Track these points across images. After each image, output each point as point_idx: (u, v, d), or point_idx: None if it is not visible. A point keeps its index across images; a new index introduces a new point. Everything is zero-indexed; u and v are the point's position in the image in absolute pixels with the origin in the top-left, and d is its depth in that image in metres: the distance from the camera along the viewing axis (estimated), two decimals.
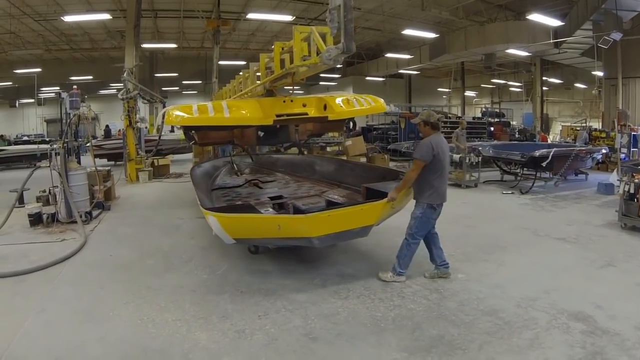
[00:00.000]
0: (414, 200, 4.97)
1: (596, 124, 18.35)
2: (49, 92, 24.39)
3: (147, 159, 12.73)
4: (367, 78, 28.06)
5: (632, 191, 6.79)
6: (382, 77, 28.13)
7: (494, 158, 12.26)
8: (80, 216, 7.50)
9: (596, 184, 10.97)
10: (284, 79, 5.63)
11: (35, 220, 7.39)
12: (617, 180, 9.24)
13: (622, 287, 4.80)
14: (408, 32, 16.66)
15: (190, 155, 17.19)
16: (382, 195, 5.02)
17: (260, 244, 5.42)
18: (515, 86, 25.42)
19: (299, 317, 4.15)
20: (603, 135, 14.32)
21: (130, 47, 12.42)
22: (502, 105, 24.11)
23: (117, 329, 3.99)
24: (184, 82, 28.82)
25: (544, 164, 10.28)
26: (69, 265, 5.69)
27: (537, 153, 10.35)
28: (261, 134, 5.60)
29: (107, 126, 21.68)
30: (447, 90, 31.31)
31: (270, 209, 5.58)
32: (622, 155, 12.96)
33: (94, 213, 8.18)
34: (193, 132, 5.95)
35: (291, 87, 5.81)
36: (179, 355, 3.55)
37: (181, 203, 9.79)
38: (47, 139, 20.34)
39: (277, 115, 5.25)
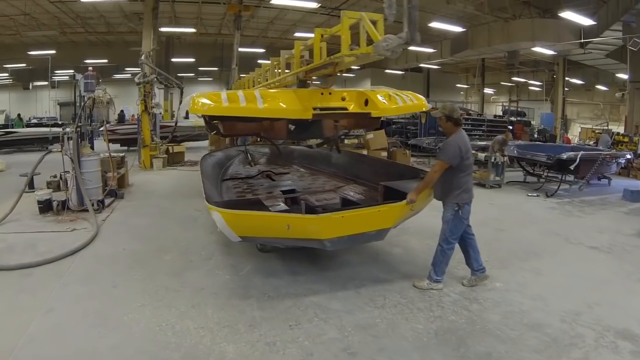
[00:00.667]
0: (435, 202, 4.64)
1: (616, 128, 17.55)
2: (63, 75, 23.92)
3: (162, 146, 12.25)
4: (387, 71, 27.28)
5: None
6: (401, 70, 27.36)
7: (518, 159, 11.66)
8: (92, 204, 7.01)
9: (619, 189, 10.46)
10: (323, 69, 5.08)
11: (45, 207, 6.94)
12: None
13: None
14: (435, 24, 15.87)
15: (205, 143, 16.74)
16: (400, 194, 4.67)
17: (268, 243, 4.98)
18: (534, 85, 24.53)
19: (334, 328, 3.74)
20: (626, 139, 13.54)
21: (148, 30, 11.89)
22: (520, 104, 23.31)
23: (133, 337, 3.53)
24: (200, 68, 28.19)
25: (571, 167, 9.73)
26: (80, 258, 5.23)
27: (564, 156, 9.87)
28: (292, 127, 5.02)
29: (121, 111, 21.17)
30: (465, 86, 30.49)
31: (282, 204, 5.19)
32: None
33: (107, 201, 7.70)
34: (217, 122, 5.38)
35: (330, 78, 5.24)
36: None
37: (198, 193, 9.11)
38: (60, 122, 19.95)
39: (316, 109, 4.70)
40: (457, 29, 16.36)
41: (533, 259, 5.59)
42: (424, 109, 5.57)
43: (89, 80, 7.04)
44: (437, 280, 4.51)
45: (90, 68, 7.26)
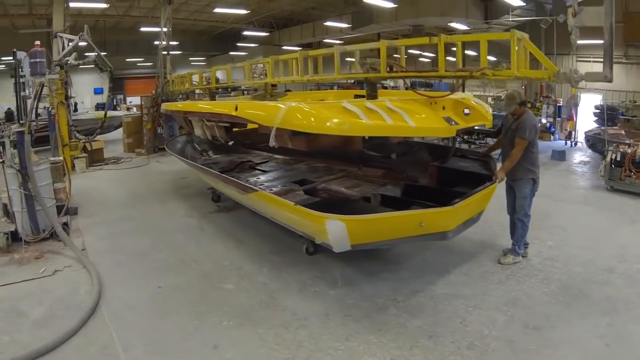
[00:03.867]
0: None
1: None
2: None
3: (84, 143, 9.40)
4: (285, 47, 25.76)
5: (618, 159, 7.29)
6: (298, 46, 26.20)
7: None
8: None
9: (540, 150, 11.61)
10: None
11: None
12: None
13: None
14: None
15: (114, 135, 13.65)
16: (456, 174, 4.66)
17: (381, 246, 4.29)
18: (425, 57, 25.60)
19: (495, 312, 3.56)
20: (529, 105, 14.85)
21: (60, 4, 8.92)
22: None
23: None
24: (85, 54, 22.71)
25: None
26: (111, 316, 3.50)
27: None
28: (367, 137, 4.06)
29: (8, 108, 15.85)
30: (352, 60, 30.66)
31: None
32: (548, 125, 13.55)
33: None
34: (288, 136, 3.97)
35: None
36: None
37: (161, 194, 7.51)
38: None
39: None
40: (388, 4, 15.25)
41: (547, 218, 5.85)
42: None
43: (37, 60, 4.59)
44: (519, 253, 4.49)
45: (37, 43, 4.73)
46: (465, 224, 4.08)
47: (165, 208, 6.59)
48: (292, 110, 3.52)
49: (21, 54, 4.73)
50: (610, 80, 3.15)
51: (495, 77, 3.69)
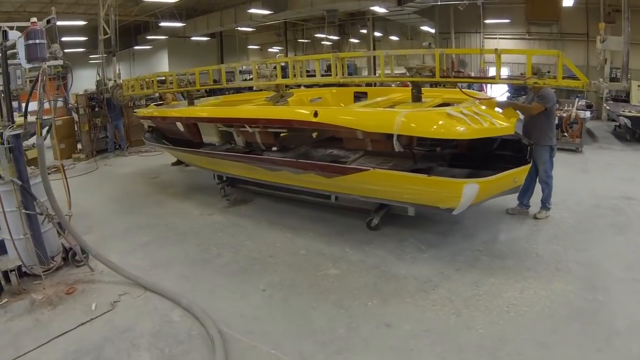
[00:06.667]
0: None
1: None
2: None
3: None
4: (193, 38, 23.18)
5: (555, 122, 8.01)
6: (206, 36, 23.79)
7: None
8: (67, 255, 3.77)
9: None
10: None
11: None
12: None
13: (613, 181, 5.95)
14: None
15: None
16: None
17: (480, 202, 4.17)
18: (326, 39, 24.91)
19: (552, 245, 4.01)
20: None
21: None
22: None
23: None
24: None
25: None
26: (245, 333, 2.81)
27: None
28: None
29: None
30: (256, 47, 29.13)
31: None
32: None
33: None
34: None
35: None
36: None
37: (148, 196, 6.28)
38: None
39: None
40: None
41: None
42: None
43: (37, 42, 3.09)
44: (549, 208, 4.81)
45: (34, 20, 3.10)
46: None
47: (170, 210, 5.53)
48: (411, 117, 3.48)
49: (14, 34, 3.21)
50: (627, 89, 3.68)
51: (544, 85, 4.01)
